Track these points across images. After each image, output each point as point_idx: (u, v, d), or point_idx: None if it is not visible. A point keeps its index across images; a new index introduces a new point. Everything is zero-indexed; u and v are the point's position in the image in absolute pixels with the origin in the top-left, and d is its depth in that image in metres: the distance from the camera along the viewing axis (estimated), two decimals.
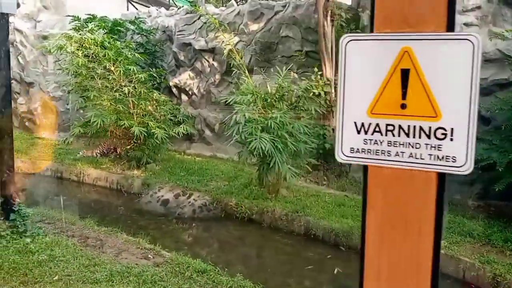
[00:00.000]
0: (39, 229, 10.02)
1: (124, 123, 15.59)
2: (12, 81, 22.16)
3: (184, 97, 21.02)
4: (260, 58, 18.37)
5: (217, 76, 20.06)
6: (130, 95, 15.99)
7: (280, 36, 17.98)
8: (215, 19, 16.05)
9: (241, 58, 15.00)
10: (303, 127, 12.80)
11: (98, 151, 18.15)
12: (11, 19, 21.85)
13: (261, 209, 12.98)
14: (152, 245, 10.05)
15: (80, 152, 18.24)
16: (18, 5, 21.44)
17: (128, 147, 16.67)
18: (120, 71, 16.00)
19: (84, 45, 16.19)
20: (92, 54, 16.05)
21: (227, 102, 13.51)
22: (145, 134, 15.77)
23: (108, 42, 16.33)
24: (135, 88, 16.17)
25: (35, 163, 18.07)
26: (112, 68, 15.98)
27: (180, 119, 18.20)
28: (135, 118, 16.05)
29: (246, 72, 14.46)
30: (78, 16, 18.80)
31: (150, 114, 16.59)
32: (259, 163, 13.50)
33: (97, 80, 16.25)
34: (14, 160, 10.19)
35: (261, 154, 12.22)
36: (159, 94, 17.58)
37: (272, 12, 18.49)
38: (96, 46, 16.13)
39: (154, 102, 17.19)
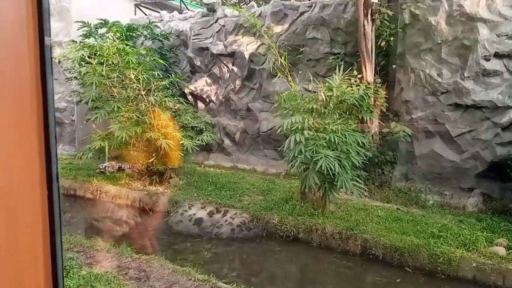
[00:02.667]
0: (72, 260, 8.68)
1: (151, 135, 14.34)
2: None
3: (200, 104, 19.88)
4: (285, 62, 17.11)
5: (237, 82, 18.96)
6: (151, 104, 14.80)
7: (307, 38, 16.83)
8: (256, 18, 14.77)
9: (285, 60, 13.69)
10: (360, 138, 11.49)
11: (116, 166, 16.79)
12: None
13: (309, 226, 11.72)
14: (204, 275, 8.77)
15: (102, 166, 16.74)
16: None
17: (150, 160, 15.24)
18: (141, 79, 14.78)
19: (102, 52, 14.93)
20: (111, 62, 14.76)
21: (281, 128, 11.84)
22: (171, 146, 14.35)
23: (130, 48, 15.31)
24: (156, 96, 14.98)
25: None
26: (133, 76, 14.72)
27: (202, 127, 16.79)
28: (160, 129, 14.80)
29: (289, 76, 13.22)
30: (88, 22, 17.71)
31: (173, 123, 15.32)
32: (302, 176, 12.18)
33: (119, 89, 15.11)
34: None
35: (327, 173, 10.85)
36: (179, 101, 16.34)
37: (297, 13, 17.38)
38: (117, 53, 14.93)
39: (176, 111, 16.11)
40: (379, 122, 14.38)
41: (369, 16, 14.14)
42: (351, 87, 12.32)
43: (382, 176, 14.52)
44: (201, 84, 19.78)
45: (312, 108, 11.79)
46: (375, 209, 12.61)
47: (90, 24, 17.72)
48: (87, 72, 14.92)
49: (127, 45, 15.38)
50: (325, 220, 11.78)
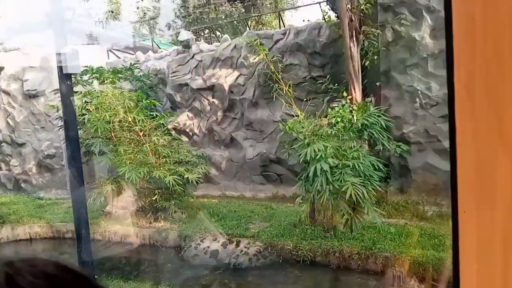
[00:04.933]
0: None
1: (158, 174, 14.02)
2: (3, 144, 21.03)
3: (184, 138, 19.36)
4: (265, 90, 16.72)
5: (219, 113, 18.55)
6: (154, 144, 14.63)
7: (284, 65, 16.36)
8: (258, 43, 14.67)
9: (289, 88, 13.46)
10: (375, 162, 11.11)
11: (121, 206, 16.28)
12: None
13: (325, 249, 11.34)
14: None
15: (109, 208, 16.15)
16: None
17: (154, 198, 14.66)
18: (140, 121, 14.57)
19: (101, 99, 14.65)
20: (110, 107, 14.35)
21: (302, 157, 11.42)
22: (175, 183, 14.01)
23: (125, 92, 15.17)
24: (155, 136, 14.82)
25: (52, 226, 15.93)
26: (130, 119, 14.39)
27: (196, 161, 16.33)
28: (164, 167, 14.50)
29: (293, 103, 12.93)
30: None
31: (172, 160, 15.01)
32: (310, 200, 11.84)
33: (119, 133, 14.78)
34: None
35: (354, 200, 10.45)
36: (174, 138, 15.91)
37: (272, 41, 17.00)
38: (114, 98, 14.62)
39: (172, 147, 15.68)
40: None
41: (354, 38, 13.84)
42: (352, 111, 12.02)
43: (377, 192, 14.21)
44: (183, 119, 19.33)
45: (330, 133, 11.41)
46: (382, 226, 12.20)
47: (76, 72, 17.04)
48: (89, 120, 14.55)
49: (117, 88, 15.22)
50: (340, 242, 11.42)
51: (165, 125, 17.28)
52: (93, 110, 14.56)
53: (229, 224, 13.77)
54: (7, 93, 21.25)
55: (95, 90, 15.26)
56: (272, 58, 15.09)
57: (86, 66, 16.93)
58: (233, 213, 14.99)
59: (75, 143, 8.37)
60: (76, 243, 8.08)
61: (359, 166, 10.52)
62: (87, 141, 15.06)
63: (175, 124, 19.25)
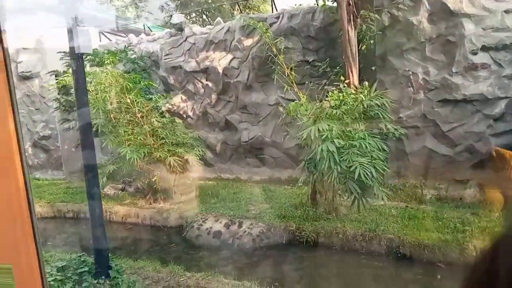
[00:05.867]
0: (134, 282, 8.13)
1: (158, 155, 14.12)
2: None
3: (178, 121, 19.15)
4: (259, 73, 16.57)
5: (213, 96, 18.36)
6: (153, 125, 14.66)
7: (278, 48, 16.21)
8: (256, 23, 14.90)
9: (291, 70, 13.33)
10: (380, 143, 11.01)
11: (121, 187, 16.18)
12: None
13: (329, 231, 11.27)
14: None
15: (106, 189, 16.05)
16: None
17: (153, 179, 14.59)
18: (138, 103, 14.58)
19: (100, 80, 14.60)
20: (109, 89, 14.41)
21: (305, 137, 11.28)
22: (176, 164, 14.06)
23: (123, 74, 15.19)
24: (154, 117, 14.95)
25: (53, 206, 15.79)
26: (128, 101, 14.39)
27: (193, 142, 16.20)
28: (163, 148, 14.49)
29: (295, 86, 12.82)
30: (67, 52, 16.70)
31: (170, 141, 14.93)
32: (311, 182, 11.79)
33: (117, 114, 14.71)
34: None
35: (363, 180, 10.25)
36: (172, 120, 15.90)
37: (266, 25, 16.71)
38: (112, 80, 14.57)
39: (168, 128, 15.58)
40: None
41: (352, 22, 13.71)
42: (356, 93, 11.93)
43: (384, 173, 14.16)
44: (177, 101, 19.12)
45: (335, 114, 11.28)
46: (383, 208, 12.19)
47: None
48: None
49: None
50: (343, 224, 11.37)
51: (160, 107, 17.15)
52: (92, 91, 14.41)
53: (230, 206, 13.66)
54: None
55: (95, 71, 15.07)
56: (272, 40, 14.96)
57: None
58: (232, 195, 14.91)
59: (88, 123, 8.28)
60: (90, 223, 8.01)
61: (366, 147, 10.40)
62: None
63: (169, 106, 19.06)
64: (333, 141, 10.42)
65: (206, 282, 8.62)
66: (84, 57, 16.06)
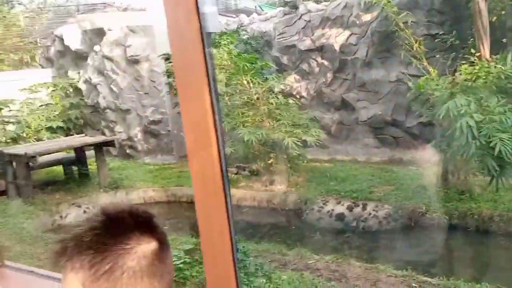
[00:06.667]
0: (262, 265, 7.94)
1: (276, 136, 13.75)
2: (107, 110, 21.07)
3: (290, 101, 18.73)
4: (379, 49, 15.90)
5: (329, 75, 17.78)
6: (266, 106, 14.53)
7: (403, 22, 15.51)
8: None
9: (420, 44, 12.68)
10: None
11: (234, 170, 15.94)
12: (96, 47, 20.05)
13: (462, 212, 10.65)
14: (399, 271, 7.92)
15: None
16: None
17: (269, 161, 14.33)
18: (256, 84, 14.53)
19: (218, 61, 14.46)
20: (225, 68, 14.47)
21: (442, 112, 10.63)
22: (295, 145, 13.62)
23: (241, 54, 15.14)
24: (273, 99, 14.86)
25: (167, 190, 15.69)
26: (245, 82, 14.39)
27: (308, 123, 15.74)
28: (280, 130, 14.04)
29: (424, 61, 12.18)
30: None
31: (286, 122, 14.49)
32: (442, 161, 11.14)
33: (234, 95, 14.82)
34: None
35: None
36: (286, 101, 15.39)
37: None
38: (229, 60, 14.66)
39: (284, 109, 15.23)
40: None
41: None
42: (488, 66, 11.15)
43: None
44: (290, 82, 18.69)
45: (471, 86, 10.58)
46: None
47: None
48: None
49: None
50: (478, 204, 10.71)
51: (273, 88, 16.83)
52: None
53: (351, 188, 13.10)
54: (110, 59, 21.08)
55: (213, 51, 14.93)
56: (386, 16, 14.37)
57: None
58: (352, 177, 14.30)
59: (217, 102, 7.96)
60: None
61: (506, 121, 9.62)
62: None
63: (282, 87, 18.68)
64: (472, 115, 9.70)
65: (336, 265, 8.21)
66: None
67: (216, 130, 2.08)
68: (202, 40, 2.12)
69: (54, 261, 1.42)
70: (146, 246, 1.40)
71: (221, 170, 2.13)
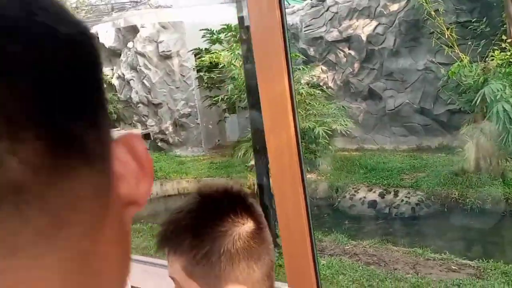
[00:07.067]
0: None
1: (307, 125, 13.79)
2: (139, 104, 21.35)
3: (318, 92, 18.84)
4: (406, 38, 15.93)
5: (356, 65, 17.82)
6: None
7: (428, 12, 15.52)
8: None
9: (451, 32, 12.75)
10: None
11: None
12: (130, 44, 20.36)
13: (496, 197, 10.71)
14: (437, 254, 8.08)
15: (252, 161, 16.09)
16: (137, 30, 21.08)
17: None
18: None
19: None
20: None
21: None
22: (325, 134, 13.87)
23: None
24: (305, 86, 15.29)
25: (200, 181, 15.80)
26: None
27: (336, 113, 15.88)
28: (310, 119, 14.29)
29: (456, 48, 12.25)
30: (211, 29, 17.46)
31: (316, 112, 14.91)
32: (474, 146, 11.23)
33: None
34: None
35: None
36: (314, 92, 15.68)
37: None
38: None
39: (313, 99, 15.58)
40: None
41: None
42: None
43: None
44: (317, 73, 18.76)
45: (505, 71, 10.65)
46: None
47: (213, 30, 17.42)
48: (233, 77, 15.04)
49: None
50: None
51: (300, 79, 16.98)
52: (239, 66, 14.35)
53: (381, 175, 13.24)
54: (142, 55, 21.33)
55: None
56: (414, 6, 14.44)
57: (225, 25, 16.92)
58: (382, 165, 14.42)
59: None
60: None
61: None
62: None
63: (308, 78, 18.77)
64: (508, 100, 9.78)
65: (374, 250, 8.31)
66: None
67: (293, 113, 2.24)
68: (282, 24, 2.18)
69: (157, 246, 1.47)
70: (242, 228, 1.41)
71: (298, 151, 2.26)
